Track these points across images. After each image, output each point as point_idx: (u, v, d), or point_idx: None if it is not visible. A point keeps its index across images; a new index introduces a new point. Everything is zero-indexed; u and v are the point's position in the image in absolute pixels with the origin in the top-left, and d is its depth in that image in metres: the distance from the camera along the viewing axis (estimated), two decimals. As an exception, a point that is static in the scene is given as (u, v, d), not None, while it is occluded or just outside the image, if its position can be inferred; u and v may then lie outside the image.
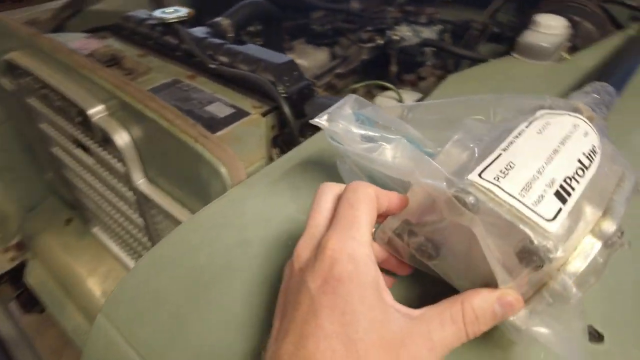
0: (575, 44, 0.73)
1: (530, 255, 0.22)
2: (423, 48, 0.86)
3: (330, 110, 0.32)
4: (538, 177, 0.24)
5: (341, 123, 0.31)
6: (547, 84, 0.62)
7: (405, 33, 0.88)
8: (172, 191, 0.58)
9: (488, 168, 0.24)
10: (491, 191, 0.23)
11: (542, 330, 0.22)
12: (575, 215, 0.23)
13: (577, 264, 0.22)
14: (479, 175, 0.24)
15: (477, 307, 0.22)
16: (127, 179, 0.61)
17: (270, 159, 0.54)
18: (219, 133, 0.50)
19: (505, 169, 0.24)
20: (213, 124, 0.51)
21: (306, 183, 0.41)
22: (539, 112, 0.29)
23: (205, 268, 0.34)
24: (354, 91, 0.79)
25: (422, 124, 0.33)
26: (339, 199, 0.26)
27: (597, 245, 0.23)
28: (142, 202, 0.61)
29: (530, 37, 0.70)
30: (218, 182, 0.44)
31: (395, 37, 0.86)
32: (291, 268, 0.25)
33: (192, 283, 0.33)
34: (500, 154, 0.25)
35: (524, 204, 0.22)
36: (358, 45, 0.93)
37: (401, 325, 0.21)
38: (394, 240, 0.28)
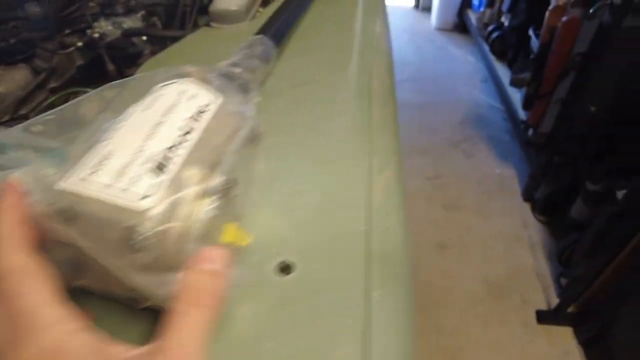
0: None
1: (135, 239, 0.21)
2: (131, 38, 0.80)
3: None
4: (136, 158, 0.23)
5: None
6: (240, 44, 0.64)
7: (106, 28, 0.81)
8: None
9: (82, 167, 0.23)
10: (80, 193, 0.21)
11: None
12: (180, 181, 0.23)
13: (197, 225, 0.23)
14: (76, 177, 0.22)
15: (187, 285, 0.21)
16: None
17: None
18: None
19: (103, 160, 0.23)
20: None
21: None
22: (155, 87, 0.29)
23: None
24: (48, 107, 0.70)
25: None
26: None
27: (208, 201, 0.23)
28: None
29: (219, 4, 0.71)
30: None
31: (95, 35, 0.79)
32: None
33: None
34: (105, 145, 0.24)
35: (116, 190, 0.21)
36: (64, 53, 0.83)
37: None
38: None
